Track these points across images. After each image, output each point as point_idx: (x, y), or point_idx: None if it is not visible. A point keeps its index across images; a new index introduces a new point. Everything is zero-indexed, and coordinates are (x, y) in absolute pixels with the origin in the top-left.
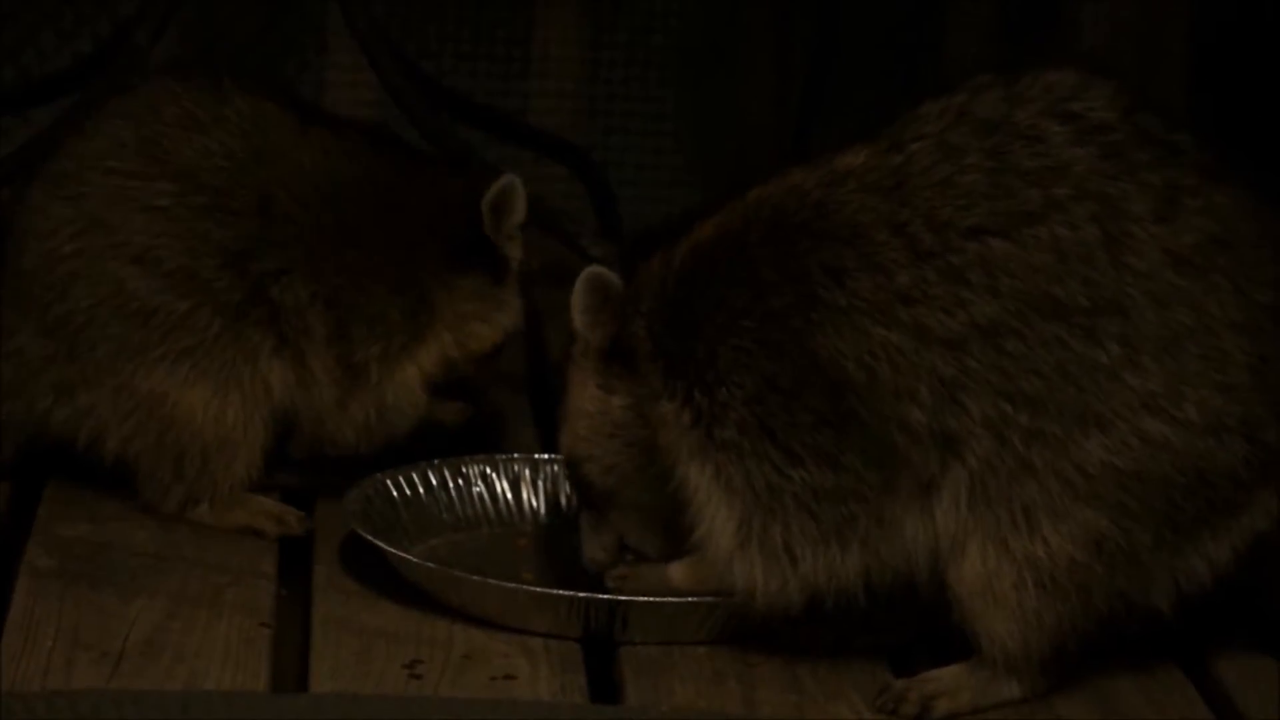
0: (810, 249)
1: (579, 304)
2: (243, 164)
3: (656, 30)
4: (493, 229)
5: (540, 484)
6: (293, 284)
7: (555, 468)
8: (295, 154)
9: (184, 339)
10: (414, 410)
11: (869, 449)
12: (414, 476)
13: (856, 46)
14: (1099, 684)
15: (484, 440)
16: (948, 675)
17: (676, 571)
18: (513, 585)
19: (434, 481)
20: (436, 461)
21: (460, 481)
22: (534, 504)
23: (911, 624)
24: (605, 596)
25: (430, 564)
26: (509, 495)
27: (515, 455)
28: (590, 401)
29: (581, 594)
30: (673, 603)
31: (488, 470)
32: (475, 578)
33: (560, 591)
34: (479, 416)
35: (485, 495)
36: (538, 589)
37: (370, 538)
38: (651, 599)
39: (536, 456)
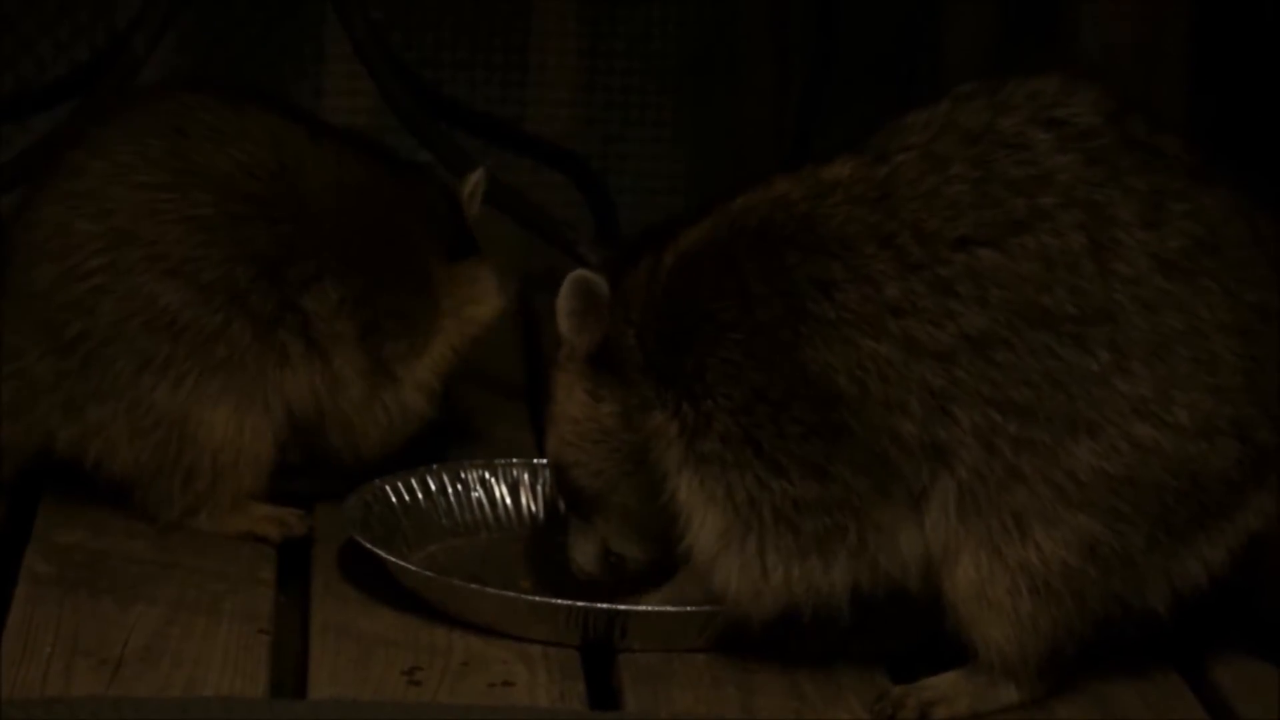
0: (798, 262)
1: (564, 308)
2: (273, 173)
3: (655, 38)
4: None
5: (539, 489)
6: (323, 289)
7: None
8: (313, 163)
9: (216, 351)
10: (429, 406)
11: (859, 460)
12: (413, 482)
13: (855, 53)
14: (1097, 688)
15: (482, 445)
16: (945, 681)
17: (672, 589)
18: (512, 594)
19: (433, 487)
20: (435, 467)
21: (459, 487)
22: (532, 509)
23: (908, 630)
24: (604, 606)
25: (429, 573)
26: (508, 500)
27: (514, 460)
28: (577, 407)
29: (580, 603)
30: (671, 611)
31: (486, 475)
32: (474, 586)
33: (559, 601)
34: (454, 420)
35: (484, 500)
36: (537, 598)
37: (369, 546)
38: (650, 607)
39: (535, 461)
